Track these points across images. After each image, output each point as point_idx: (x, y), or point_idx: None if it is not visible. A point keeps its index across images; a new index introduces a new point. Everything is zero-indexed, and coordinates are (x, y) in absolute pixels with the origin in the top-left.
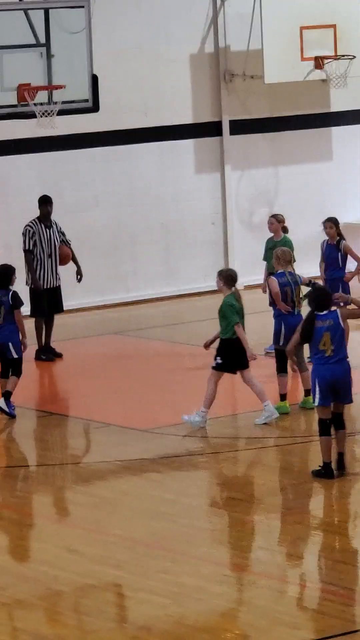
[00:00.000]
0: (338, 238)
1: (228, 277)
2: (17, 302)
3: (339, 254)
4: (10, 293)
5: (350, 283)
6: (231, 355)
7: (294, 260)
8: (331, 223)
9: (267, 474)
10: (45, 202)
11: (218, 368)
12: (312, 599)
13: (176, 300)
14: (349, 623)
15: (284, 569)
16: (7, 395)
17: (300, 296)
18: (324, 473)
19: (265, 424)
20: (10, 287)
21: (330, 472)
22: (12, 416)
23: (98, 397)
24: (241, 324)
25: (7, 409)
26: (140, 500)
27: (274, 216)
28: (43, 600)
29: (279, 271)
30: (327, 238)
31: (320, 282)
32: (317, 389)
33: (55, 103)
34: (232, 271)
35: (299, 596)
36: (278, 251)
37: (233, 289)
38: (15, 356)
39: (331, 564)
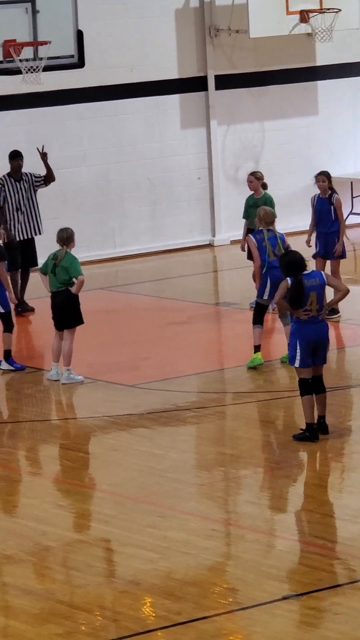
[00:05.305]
0: (330, 192)
1: None
2: None
3: (332, 207)
4: None
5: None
6: None
7: (275, 216)
8: (324, 177)
9: (255, 428)
10: (15, 157)
11: None
12: (300, 553)
13: (163, 256)
14: (337, 576)
15: (271, 523)
16: (7, 355)
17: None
18: (308, 436)
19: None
20: None
21: (314, 434)
22: (22, 369)
23: (85, 352)
24: None
25: (12, 367)
26: (129, 456)
27: (253, 174)
28: (32, 556)
29: (259, 229)
30: (318, 192)
31: (306, 238)
32: (299, 349)
33: (41, 59)
34: None
35: (286, 550)
36: (261, 211)
37: None
38: (2, 310)
39: (319, 517)
